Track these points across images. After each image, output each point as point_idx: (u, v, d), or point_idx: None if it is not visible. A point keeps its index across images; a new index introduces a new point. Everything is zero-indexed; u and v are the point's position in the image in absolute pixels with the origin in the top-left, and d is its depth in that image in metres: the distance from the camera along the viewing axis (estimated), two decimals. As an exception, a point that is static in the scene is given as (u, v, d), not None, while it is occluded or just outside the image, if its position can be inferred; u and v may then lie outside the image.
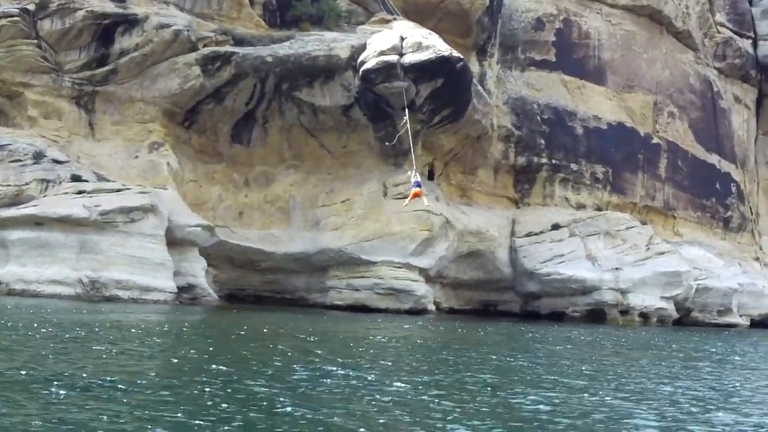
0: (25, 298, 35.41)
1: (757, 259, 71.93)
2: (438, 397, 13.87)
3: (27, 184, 40.41)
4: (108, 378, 13.54)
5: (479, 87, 52.97)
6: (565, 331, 39.79)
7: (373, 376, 16.03)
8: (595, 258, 55.97)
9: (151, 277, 39.89)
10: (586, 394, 15.68)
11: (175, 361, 17.09)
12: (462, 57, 48.47)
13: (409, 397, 13.80)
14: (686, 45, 69.87)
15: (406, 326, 35.40)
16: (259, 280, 50.80)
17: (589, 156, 61.10)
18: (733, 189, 71.19)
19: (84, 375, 13.81)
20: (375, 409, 12.35)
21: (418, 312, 47.83)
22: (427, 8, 53.42)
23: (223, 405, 11.97)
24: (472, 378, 16.89)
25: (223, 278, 48.17)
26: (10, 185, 40.15)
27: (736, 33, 74.39)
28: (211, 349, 19.86)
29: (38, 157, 41.39)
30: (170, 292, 40.23)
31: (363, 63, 46.39)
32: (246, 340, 23.40)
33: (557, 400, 14.54)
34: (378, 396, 13.55)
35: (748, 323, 65.13)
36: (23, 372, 13.68)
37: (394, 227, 48.62)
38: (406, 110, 41.51)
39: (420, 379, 16.11)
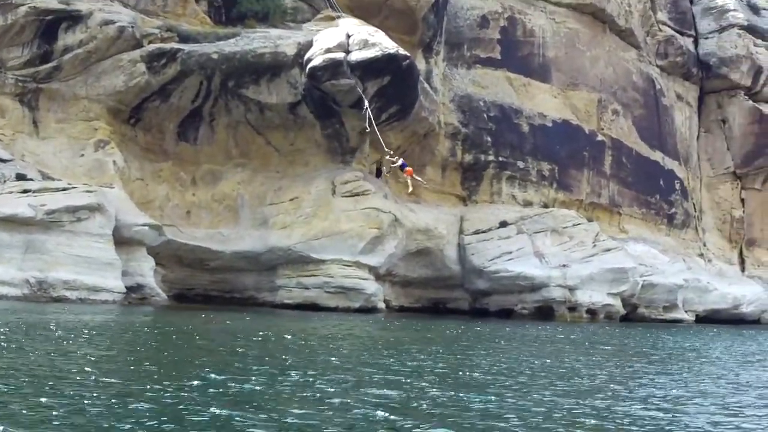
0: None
1: (701, 255, 72.69)
2: (379, 397, 13.61)
3: (-30, 183, 39.69)
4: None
5: (426, 84, 52.98)
6: (513, 329, 39.91)
7: (308, 375, 15.71)
8: (542, 255, 56.19)
9: (98, 277, 39.30)
10: (533, 392, 15.60)
11: (113, 363, 16.71)
12: (408, 54, 48.37)
13: (348, 397, 13.52)
14: (629, 43, 70.40)
15: (354, 325, 35.29)
16: (208, 280, 50.31)
17: (535, 153, 61.34)
18: (677, 186, 71.88)
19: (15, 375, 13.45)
20: (307, 410, 12.01)
21: (368, 310, 47.70)
22: (373, 6, 53.18)
23: (140, 405, 11.64)
24: (416, 377, 16.66)
25: (171, 278, 47.62)
26: (-48, 184, 39.41)
27: (677, 31, 75.14)
28: (142, 350, 19.55)
29: (-19, 156, 40.67)
30: (119, 293, 39.67)
31: (309, 60, 46.11)
32: (188, 341, 23.03)
33: (504, 398, 14.39)
34: (311, 397, 13.22)
35: (693, 319, 65.78)
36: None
37: (343, 225, 48.46)
38: (366, 102, 41.42)
39: (363, 378, 15.82)
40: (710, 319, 66.67)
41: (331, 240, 48.06)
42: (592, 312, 56.01)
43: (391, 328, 35.09)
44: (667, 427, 12.30)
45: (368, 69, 46.23)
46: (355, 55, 46.07)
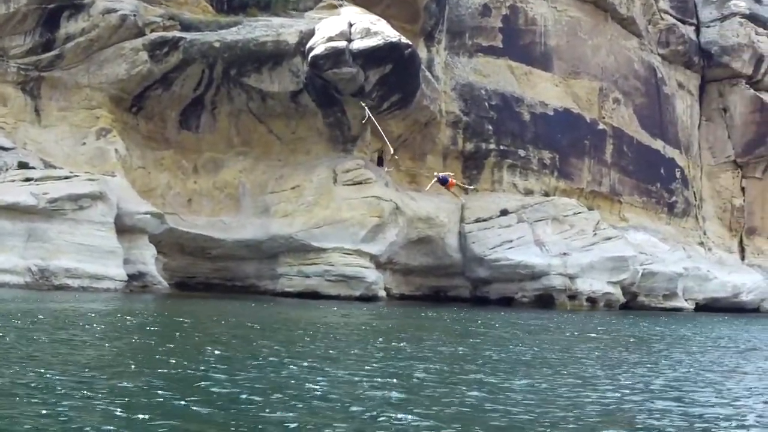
0: (-28, 287, 34.82)
1: (701, 243, 72.81)
2: (383, 385, 13.69)
3: (-27, 171, 39.81)
4: (43, 370, 13.23)
5: (427, 73, 53.03)
6: (513, 317, 39.99)
7: (312, 363, 15.79)
8: (543, 243, 56.31)
9: (100, 265, 39.42)
10: (534, 379, 15.71)
11: (117, 350, 16.77)
12: (410, 43, 48.49)
13: (350, 385, 13.60)
14: (630, 31, 70.38)
15: (355, 313, 35.38)
16: (210, 268, 50.47)
17: (537, 142, 61.41)
18: (678, 174, 71.96)
19: (26, 367, 13.53)
20: (311, 398, 12.09)
21: (368, 298, 47.85)
22: (375, -6, 53.28)
23: (162, 393, 11.76)
24: (417, 365, 16.70)
25: (173, 266, 47.74)
26: (-45, 173, 39.54)
27: (679, 20, 75.12)
28: (153, 338, 19.63)
29: (-17, 144, 40.80)
30: (120, 281, 39.82)
31: (311, 49, 46.17)
32: (191, 329, 23.15)
33: (505, 386, 14.48)
34: (313, 385, 13.31)
35: (693, 307, 65.87)
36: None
37: (345, 214, 48.58)
38: (366, 107, 41.26)
39: (365, 367, 15.91)
40: (710, 307, 66.77)
41: (332, 228, 48.20)
42: (592, 300, 56.17)
43: (390, 317, 35.14)
44: (673, 414, 12.42)
45: (370, 57, 46.31)
46: (357, 44, 46.16)
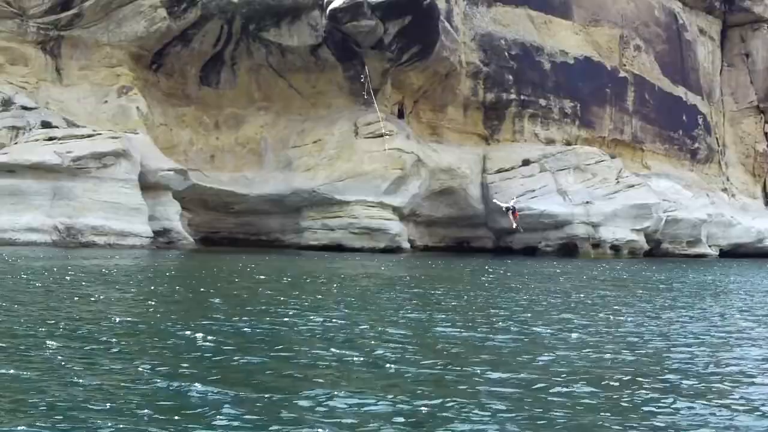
0: (1, 246, 35.09)
1: (725, 189, 72.54)
2: (401, 336, 13.56)
3: (-4, 131, 40.06)
4: (94, 324, 13.38)
5: (446, 24, 52.69)
6: (539, 265, 40.06)
7: (338, 315, 15.75)
8: (565, 192, 56.24)
9: (126, 222, 39.72)
10: (553, 330, 15.80)
11: (154, 305, 16.85)
12: (429, -7, 48.27)
13: (370, 335, 13.56)
14: (651, -23, 69.73)
15: (379, 264, 35.53)
16: (234, 223, 50.77)
17: (558, 91, 61.09)
18: (700, 121, 71.52)
19: (75, 321, 13.68)
20: (334, 349, 11.96)
21: (392, 250, 48.06)
22: (393, -55, 52.90)
23: (202, 344, 11.87)
24: (438, 315, 16.68)
25: (197, 221, 48.05)
26: (-21, 133, 39.79)
27: (699, -36, 74.34)
28: (191, 291, 19.82)
29: (6, 104, 40.97)
30: (146, 237, 40.14)
31: (330, 2, 46.11)
32: (222, 282, 23.33)
33: (531, 336, 14.50)
34: (335, 336, 13.21)
35: (717, 253, 65.83)
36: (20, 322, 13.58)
37: (366, 166, 48.67)
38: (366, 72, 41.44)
39: (385, 318, 15.90)
40: (734, 253, 66.66)
41: (354, 181, 48.31)
42: (615, 248, 56.07)
43: (417, 266, 35.23)
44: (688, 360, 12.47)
45: (389, 9, 46.19)
46: (376, -4, 46.01)
